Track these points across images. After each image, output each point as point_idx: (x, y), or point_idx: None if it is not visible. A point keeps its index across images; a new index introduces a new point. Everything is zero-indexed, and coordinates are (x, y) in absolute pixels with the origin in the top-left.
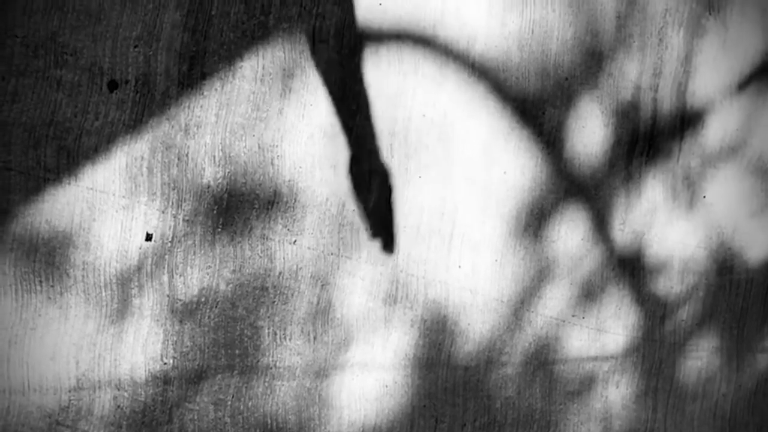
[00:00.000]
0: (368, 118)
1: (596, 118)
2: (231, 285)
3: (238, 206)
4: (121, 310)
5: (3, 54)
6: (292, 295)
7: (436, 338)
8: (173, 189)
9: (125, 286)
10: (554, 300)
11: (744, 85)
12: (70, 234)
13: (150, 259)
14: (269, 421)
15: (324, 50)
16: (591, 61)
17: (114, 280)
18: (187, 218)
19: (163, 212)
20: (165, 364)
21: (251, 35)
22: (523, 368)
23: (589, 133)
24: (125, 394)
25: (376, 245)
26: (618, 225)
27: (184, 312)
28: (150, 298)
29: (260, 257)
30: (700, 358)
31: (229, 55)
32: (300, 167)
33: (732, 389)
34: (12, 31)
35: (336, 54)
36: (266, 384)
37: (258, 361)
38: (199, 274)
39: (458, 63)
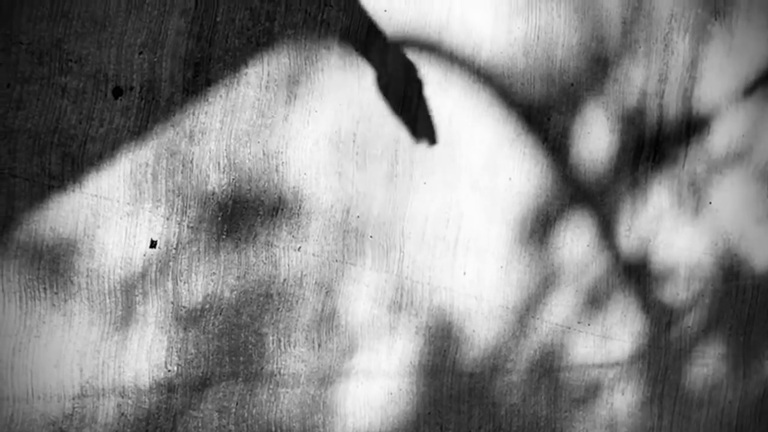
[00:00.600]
0: (373, 121)
1: (602, 124)
2: (235, 292)
3: (242, 213)
4: (125, 317)
5: (8, 61)
6: (297, 302)
7: (440, 345)
8: (178, 196)
9: (129, 294)
10: (559, 307)
11: (750, 91)
12: (75, 241)
13: (154, 266)
14: (273, 429)
15: (329, 57)
16: (596, 67)
17: (118, 288)
18: (191, 225)
19: (167, 219)
20: (169, 371)
21: (256, 42)
22: (529, 375)
23: (595, 139)
24: (129, 402)
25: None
26: (624, 231)
27: (188, 319)
28: (154, 306)
29: (265, 264)
30: (706, 365)
31: (234, 61)
32: (305, 174)
33: (738, 396)
34: (17, 38)
35: (341, 61)
36: (270, 391)
37: (262, 368)
38: (203, 281)
39: (463, 69)
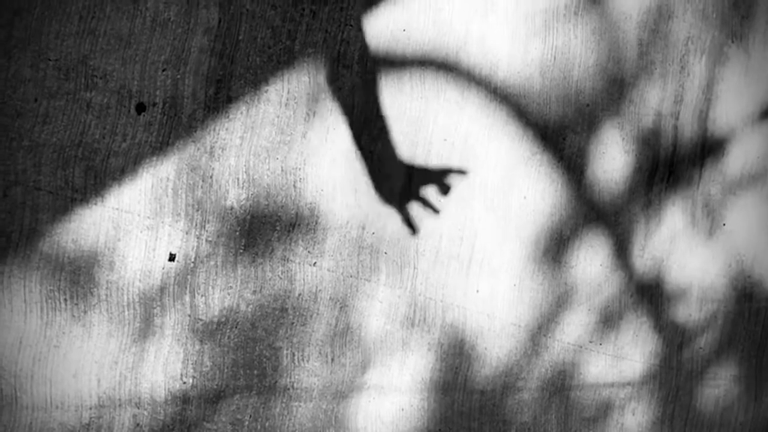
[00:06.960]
0: (391, 142)
1: (617, 145)
2: (251, 306)
3: (260, 228)
4: (143, 329)
5: (36, 77)
6: (311, 316)
7: (452, 362)
8: (197, 210)
9: (148, 306)
10: (572, 326)
11: (766, 113)
12: (96, 253)
13: (173, 280)
14: None
15: (348, 75)
16: (612, 88)
17: (137, 300)
18: (210, 239)
19: (186, 233)
20: (184, 383)
21: (277, 60)
22: (540, 394)
23: (610, 159)
24: (145, 413)
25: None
26: (637, 251)
27: (204, 332)
28: (171, 318)
29: (281, 279)
30: (718, 387)
31: (254, 79)
32: (322, 190)
33: (750, 418)
34: (45, 55)
35: (360, 79)
36: (284, 405)
37: (276, 381)
38: (220, 294)
39: (480, 88)
